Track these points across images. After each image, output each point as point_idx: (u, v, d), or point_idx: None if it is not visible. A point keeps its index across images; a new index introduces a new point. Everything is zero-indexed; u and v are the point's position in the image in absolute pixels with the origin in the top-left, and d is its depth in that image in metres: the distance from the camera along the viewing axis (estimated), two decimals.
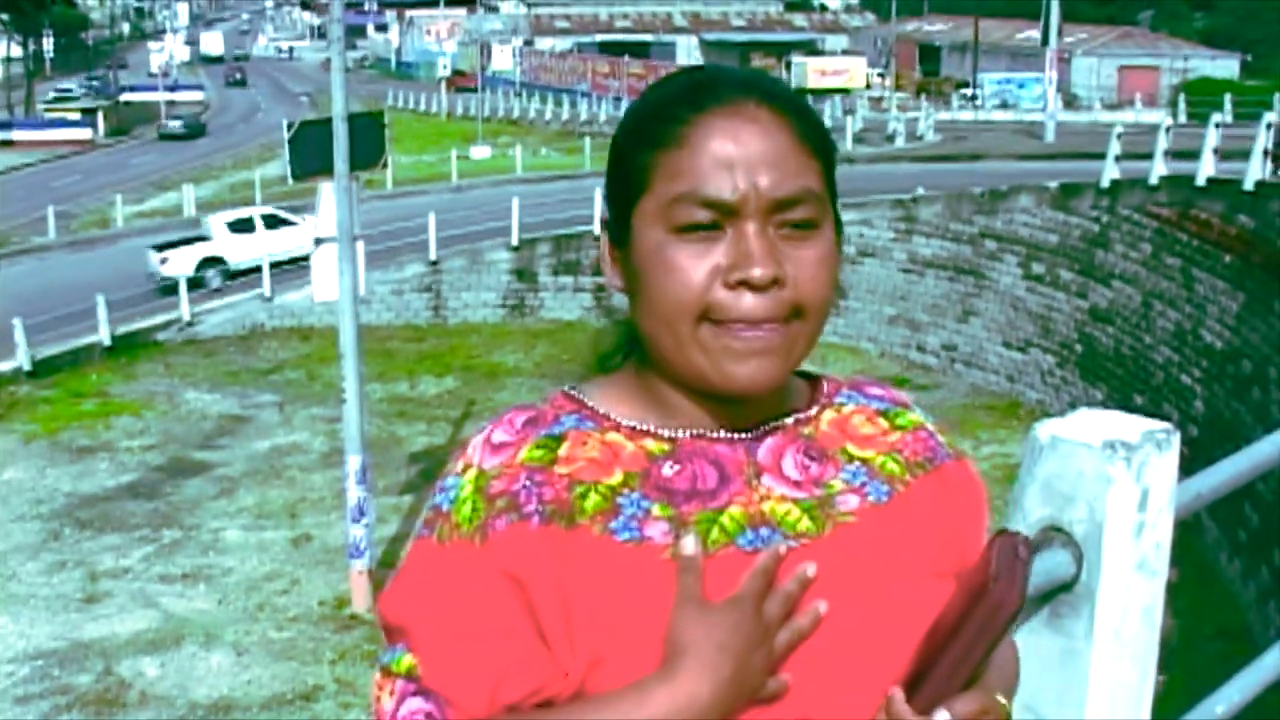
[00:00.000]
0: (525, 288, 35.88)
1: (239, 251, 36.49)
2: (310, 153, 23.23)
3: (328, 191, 19.34)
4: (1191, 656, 11.66)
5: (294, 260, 33.76)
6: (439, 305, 35.39)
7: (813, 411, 1.65)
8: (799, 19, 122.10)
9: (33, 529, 22.07)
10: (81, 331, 30.90)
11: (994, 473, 23.70)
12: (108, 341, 30.97)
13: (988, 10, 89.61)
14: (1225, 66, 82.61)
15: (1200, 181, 25.97)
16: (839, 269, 1.61)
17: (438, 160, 56.14)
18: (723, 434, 1.58)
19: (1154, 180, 27.53)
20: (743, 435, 1.59)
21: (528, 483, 1.51)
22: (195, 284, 34.76)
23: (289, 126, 42.92)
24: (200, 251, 36.83)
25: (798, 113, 1.56)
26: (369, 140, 24.67)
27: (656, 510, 1.52)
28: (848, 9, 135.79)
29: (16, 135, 79.05)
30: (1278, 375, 21.50)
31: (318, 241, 19.84)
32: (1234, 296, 23.63)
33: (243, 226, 37.69)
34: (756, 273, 1.49)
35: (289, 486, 23.78)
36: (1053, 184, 30.86)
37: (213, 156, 69.96)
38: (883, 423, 1.68)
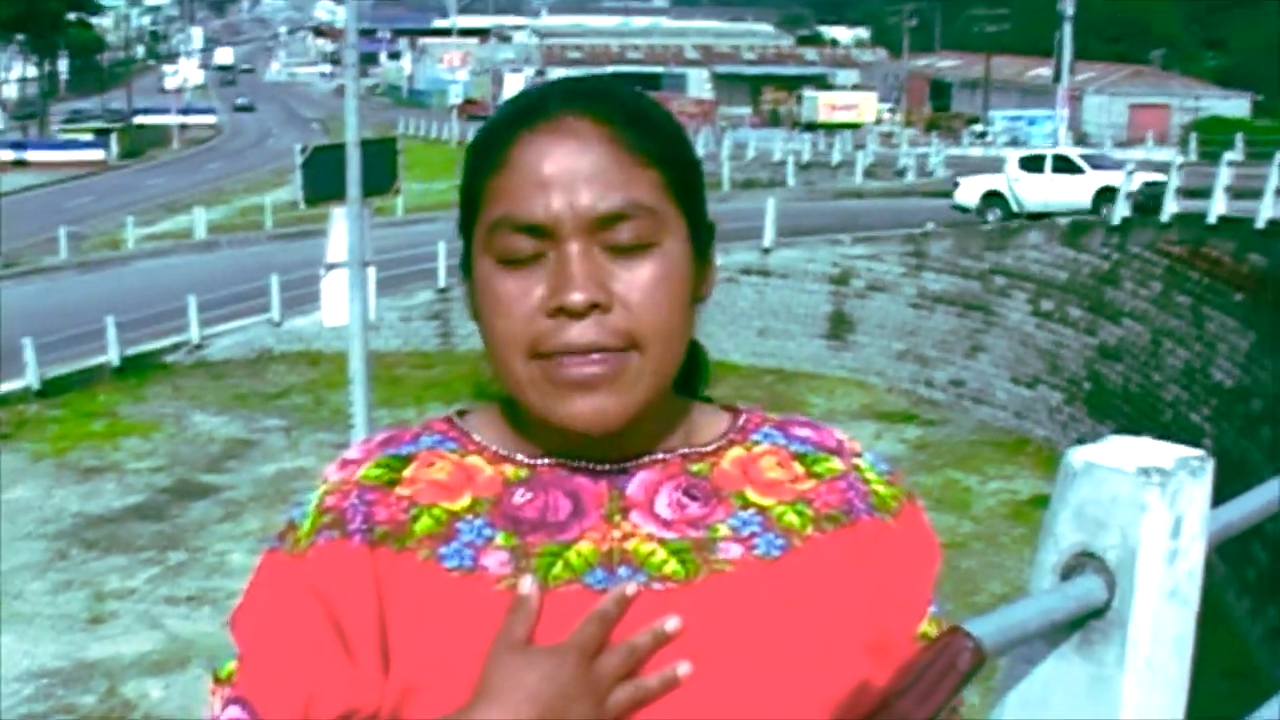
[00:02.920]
0: None
1: (1025, 190, 35.62)
2: (323, 178, 23.14)
3: (339, 217, 19.37)
4: (1199, 695, 11.62)
5: (1072, 213, 32.15)
6: (447, 333, 35.39)
7: (711, 447, 1.54)
8: (810, 53, 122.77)
9: (39, 548, 22.06)
10: (91, 352, 30.91)
11: (1000, 509, 23.70)
12: (117, 362, 30.99)
13: (999, 47, 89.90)
14: (1236, 106, 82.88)
15: (1212, 220, 25.99)
16: (690, 289, 1.48)
17: (448, 188, 56.10)
18: (587, 464, 1.49)
19: (1165, 218, 27.55)
20: (610, 468, 1.50)
21: (357, 500, 1.46)
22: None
23: (302, 150, 43.04)
24: (987, 183, 36.76)
25: (628, 121, 1.45)
26: (382, 166, 24.60)
27: (500, 539, 1.45)
28: (859, 44, 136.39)
29: (31, 155, 79.32)
30: None
31: (328, 267, 19.85)
32: (1244, 335, 23.60)
33: (1034, 165, 36.87)
34: (573, 297, 1.39)
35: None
36: (1063, 220, 30.89)
37: (224, 180, 70.12)
38: (797, 468, 1.55)
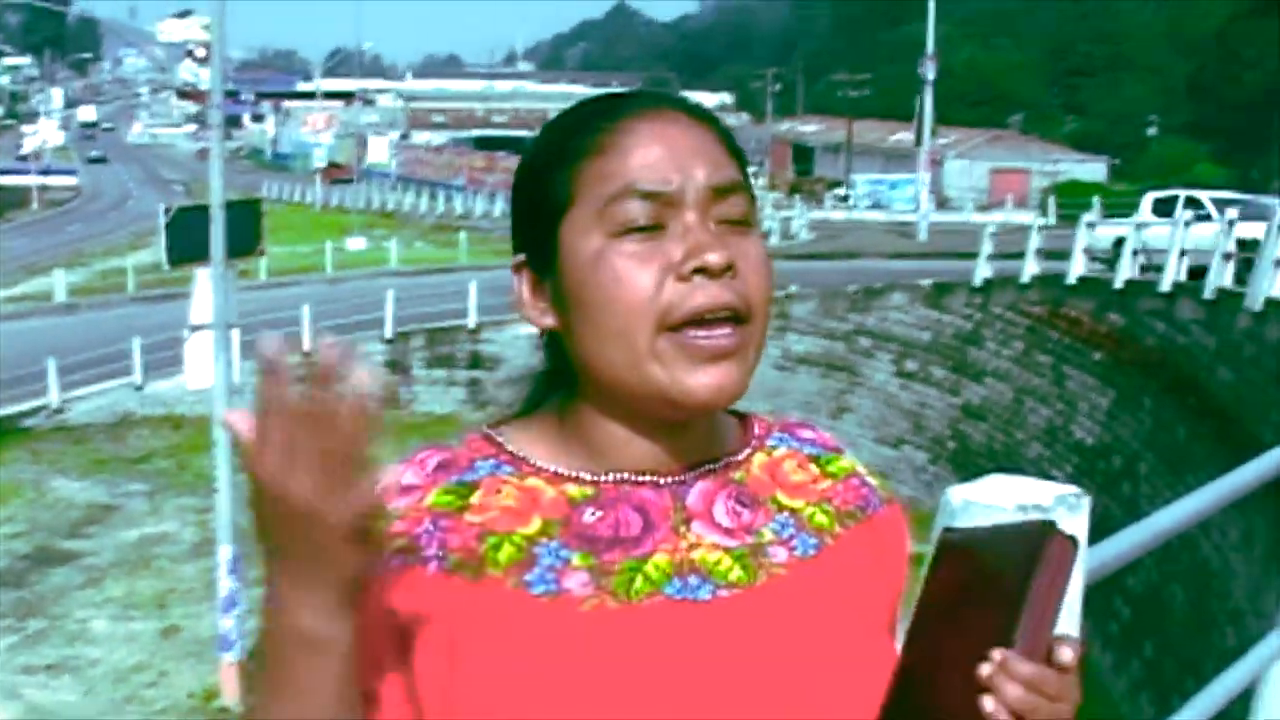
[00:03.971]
0: (398, 380, 35.71)
1: (1156, 233, 30.16)
2: (187, 239, 22.86)
3: (203, 279, 19.20)
4: None
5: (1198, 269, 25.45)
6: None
7: (743, 455, 1.58)
8: None
9: None
10: None
11: None
12: None
13: (862, 112, 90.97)
14: (1094, 170, 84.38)
15: (1071, 280, 26.44)
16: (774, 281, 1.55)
17: (312, 251, 55.81)
18: (649, 478, 1.51)
19: (1026, 279, 27.98)
20: (670, 480, 1.51)
21: (431, 527, 1.43)
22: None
23: (166, 212, 42.58)
24: (1119, 230, 33.55)
25: (715, 120, 1.53)
26: (246, 228, 24.52)
27: (576, 560, 1.44)
28: (722, 108, 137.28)
29: None
30: (1147, 470, 21.83)
31: (192, 329, 19.68)
32: (1104, 393, 24.01)
33: (1166, 208, 32.33)
34: (712, 258, 1.42)
35: (158, 577, 23.42)
36: (926, 282, 31.26)
37: (85, 242, 69.30)
38: (814, 469, 1.62)
